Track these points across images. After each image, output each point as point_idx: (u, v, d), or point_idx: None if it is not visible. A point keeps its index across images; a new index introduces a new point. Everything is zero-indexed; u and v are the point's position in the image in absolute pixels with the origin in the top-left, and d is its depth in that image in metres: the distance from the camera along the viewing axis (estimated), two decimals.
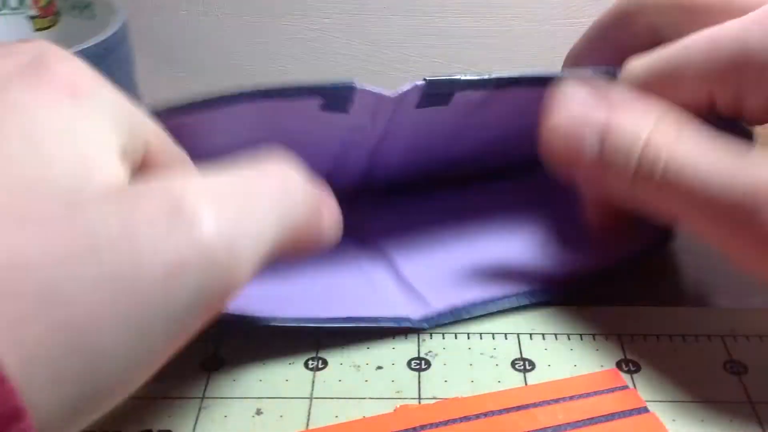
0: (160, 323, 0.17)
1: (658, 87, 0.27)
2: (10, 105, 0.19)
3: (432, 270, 0.32)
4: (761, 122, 0.27)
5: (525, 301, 0.31)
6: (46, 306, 0.16)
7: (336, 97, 0.27)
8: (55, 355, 0.16)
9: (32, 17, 0.45)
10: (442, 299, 0.30)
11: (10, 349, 0.15)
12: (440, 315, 0.30)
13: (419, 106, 0.29)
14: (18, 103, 0.19)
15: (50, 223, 0.16)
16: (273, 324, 0.28)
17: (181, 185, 0.18)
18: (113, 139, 0.20)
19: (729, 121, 0.27)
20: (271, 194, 0.21)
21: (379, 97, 0.28)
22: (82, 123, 0.19)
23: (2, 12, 0.44)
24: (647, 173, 0.25)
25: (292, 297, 0.30)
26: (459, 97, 0.29)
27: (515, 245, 0.33)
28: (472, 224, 0.34)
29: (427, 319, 0.30)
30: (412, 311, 0.30)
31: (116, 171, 0.19)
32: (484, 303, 0.30)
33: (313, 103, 0.27)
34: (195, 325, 0.18)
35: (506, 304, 0.31)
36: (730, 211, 0.24)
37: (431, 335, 0.29)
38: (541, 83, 0.28)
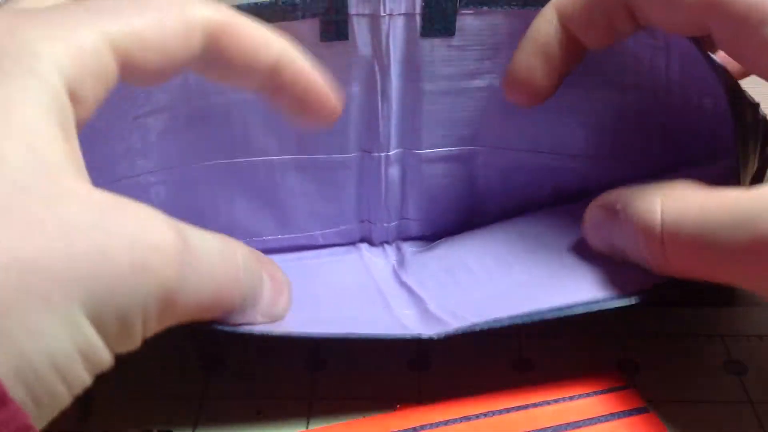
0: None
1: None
2: None
3: (456, 295, 0.30)
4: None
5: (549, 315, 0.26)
6: None
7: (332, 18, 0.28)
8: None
9: None
10: (461, 320, 0.27)
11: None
12: (456, 330, 0.26)
13: (423, 33, 0.29)
14: None
15: (34, 224, 0.18)
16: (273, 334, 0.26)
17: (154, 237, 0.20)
18: (50, 101, 0.20)
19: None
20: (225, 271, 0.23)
21: (375, 17, 0.28)
22: (8, 95, 0.19)
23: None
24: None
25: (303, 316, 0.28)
26: (465, 25, 0.29)
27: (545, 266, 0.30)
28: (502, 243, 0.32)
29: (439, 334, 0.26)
30: (426, 330, 0.27)
31: (59, 150, 0.19)
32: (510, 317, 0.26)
33: (312, 34, 0.28)
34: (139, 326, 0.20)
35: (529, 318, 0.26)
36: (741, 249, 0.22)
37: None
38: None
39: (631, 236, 0.25)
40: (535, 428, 0.25)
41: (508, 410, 0.26)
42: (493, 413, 0.25)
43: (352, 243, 0.34)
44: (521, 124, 0.32)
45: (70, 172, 0.20)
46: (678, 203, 0.24)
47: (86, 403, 0.26)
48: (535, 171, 0.33)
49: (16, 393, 0.17)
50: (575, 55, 0.29)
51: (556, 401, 0.26)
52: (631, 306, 0.30)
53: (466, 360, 0.28)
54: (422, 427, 0.25)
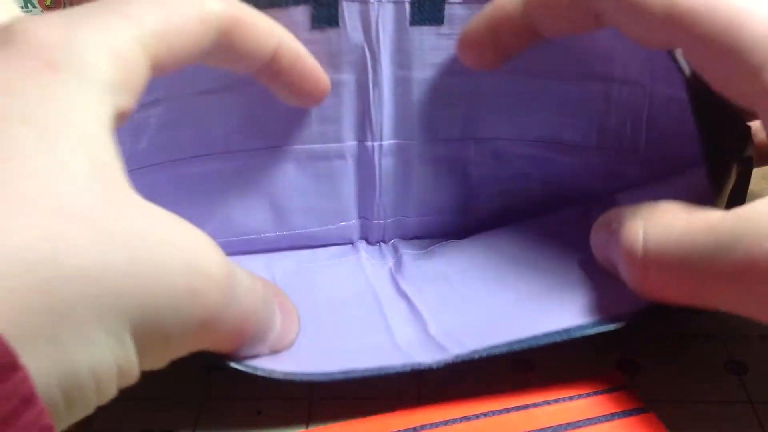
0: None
1: None
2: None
3: (459, 322, 0.29)
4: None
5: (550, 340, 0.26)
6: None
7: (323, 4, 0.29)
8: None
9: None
10: (461, 347, 0.27)
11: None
12: (456, 357, 0.26)
13: (412, 21, 0.30)
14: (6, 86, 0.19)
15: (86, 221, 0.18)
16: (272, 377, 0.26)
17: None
18: (103, 108, 0.20)
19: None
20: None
21: (365, 4, 0.29)
22: (68, 101, 0.19)
23: None
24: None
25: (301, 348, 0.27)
26: (453, 14, 0.30)
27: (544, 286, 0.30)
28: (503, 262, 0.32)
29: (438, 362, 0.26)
30: (426, 357, 0.26)
31: (108, 144, 0.20)
32: (508, 344, 0.26)
33: (304, 20, 0.28)
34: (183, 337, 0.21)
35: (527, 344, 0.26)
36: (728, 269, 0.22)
37: None
38: None
39: (620, 258, 0.25)
40: (535, 428, 0.25)
41: (508, 410, 0.26)
42: (493, 413, 0.25)
43: (351, 242, 0.34)
44: (510, 114, 0.32)
45: (126, 181, 0.20)
46: (660, 228, 0.24)
47: None
48: (525, 161, 0.33)
49: (53, 394, 0.17)
50: (526, 42, 0.29)
51: (556, 401, 0.26)
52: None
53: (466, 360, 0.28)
54: (422, 427, 0.25)
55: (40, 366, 0.16)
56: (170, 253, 0.19)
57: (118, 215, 0.18)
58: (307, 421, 0.26)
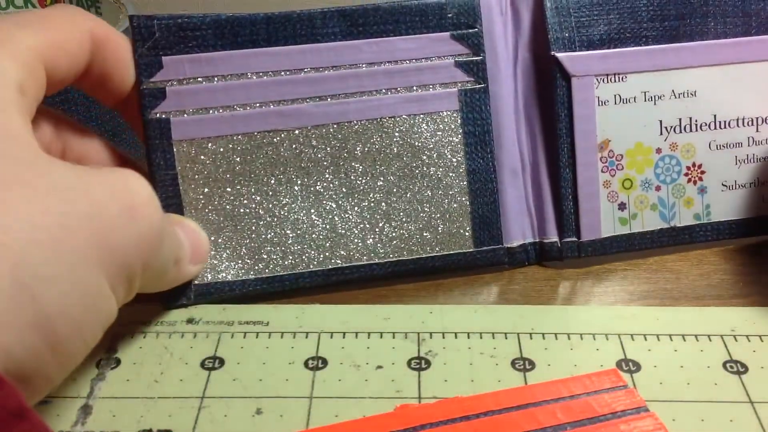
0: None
1: None
2: None
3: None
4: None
5: None
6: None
7: None
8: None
9: None
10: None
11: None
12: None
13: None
14: None
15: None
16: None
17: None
18: (13, 105, 0.22)
19: None
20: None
21: None
22: None
23: (8, 11, 0.44)
24: None
25: None
26: None
27: None
28: None
29: None
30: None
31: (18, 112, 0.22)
32: None
33: None
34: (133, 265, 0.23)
35: None
36: None
37: (431, 335, 0.29)
38: None
39: None
40: (535, 428, 0.25)
41: (508, 410, 0.26)
42: (493, 413, 0.25)
43: None
44: None
45: (37, 146, 0.22)
46: None
47: (86, 403, 0.26)
48: None
49: (33, 342, 0.19)
50: None
51: (556, 401, 0.26)
52: (631, 306, 0.30)
53: (467, 360, 0.28)
54: (422, 426, 0.25)
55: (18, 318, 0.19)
56: (97, 188, 0.22)
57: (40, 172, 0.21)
58: (307, 420, 0.26)
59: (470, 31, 0.32)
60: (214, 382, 0.27)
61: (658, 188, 0.34)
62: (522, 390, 0.27)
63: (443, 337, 0.29)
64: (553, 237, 0.34)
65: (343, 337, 0.29)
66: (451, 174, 0.33)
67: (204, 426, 0.26)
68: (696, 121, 0.34)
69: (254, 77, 0.31)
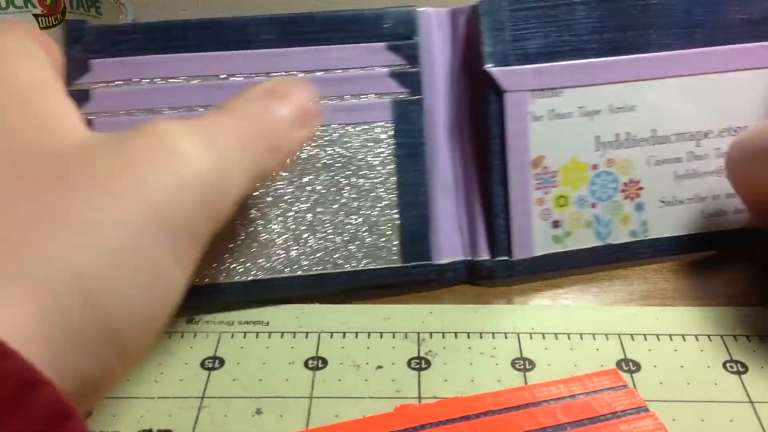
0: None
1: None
2: None
3: None
4: None
5: None
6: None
7: None
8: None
9: (38, 16, 0.45)
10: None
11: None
12: None
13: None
14: None
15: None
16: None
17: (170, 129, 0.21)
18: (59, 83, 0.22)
19: None
20: (243, 136, 0.23)
21: None
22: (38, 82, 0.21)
23: (8, 10, 0.44)
24: None
25: None
26: None
27: None
28: None
29: None
30: None
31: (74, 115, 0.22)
32: None
33: None
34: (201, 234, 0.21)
35: None
36: None
37: (431, 335, 0.29)
38: None
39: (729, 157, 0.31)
40: (535, 428, 0.25)
41: (508, 410, 0.26)
42: (493, 413, 0.25)
43: None
44: None
45: (78, 124, 0.21)
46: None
47: None
48: None
49: (103, 357, 0.18)
50: None
51: (556, 401, 0.26)
52: (632, 306, 0.30)
53: (467, 360, 0.28)
54: (422, 426, 0.25)
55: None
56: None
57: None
58: (307, 420, 0.26)
59: (407, 42, 0.32)
60: (214, 382, 0.27)
61: (593, 205, 0.33)
62: (522, 390, 0.27)
63: (443, 337, 0.29)
64: (484, 255, 0.32)
65: (343, 337, 0.29)
66: (380, 186, 0.32)
67: (204, 426, 0.26)
68: (634, 136, 0.33)
69: (182, 81, 0.30)
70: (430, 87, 0.32)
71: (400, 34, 0.32)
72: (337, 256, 0.31)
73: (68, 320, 0.17)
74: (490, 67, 0.32)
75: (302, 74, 0.31)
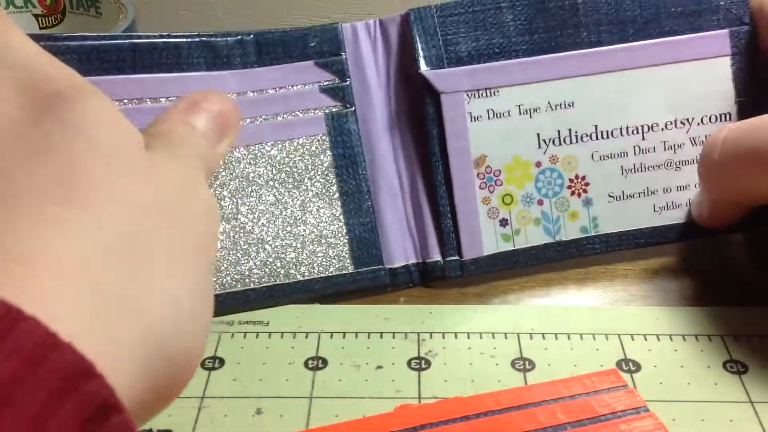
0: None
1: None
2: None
3: None
4: None
5: None
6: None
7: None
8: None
9: (38, 16, 0.45)
10: None
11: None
12: None
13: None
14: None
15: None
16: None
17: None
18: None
19: None
20: None
21: None
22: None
23: (8, 10, 0.44)
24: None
25: None
26: None
27: None
28: None
29: None
30: None
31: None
32: None
33: None
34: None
35: None
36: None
37: (431, 335, 0.29)
38: None
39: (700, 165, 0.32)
40: (535, 428, 0.25)
41: (508, 410, 0.26)
42: (493, 413, 0.25)
43: None
44: None
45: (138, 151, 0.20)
46: (737, 125, 0.30)
47: None
48: None
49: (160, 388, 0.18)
50: None
51: (556, 401, 0.26)
52: (631, 306, 0.30)
53: (467, 360, 0.28)
54: (422, 426, 0.25)
55: None
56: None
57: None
58: (307, 420, 0.26)
59: (333, 58, 0.33)
60: (214, 382, 0.27)
61: (540, 202, 0.33)
62: (522, 390, 0.27)
63: (443, 337, 0.29)
64: (435, 257, 0.33)
65: (343, 337, 0.29)
66: (324, 196, 0.32)
67: (204, 426, 0.26)
68: (576, 132, 0.33)
69: (117, 104, 0.30)
70: (362, 97, 0.33)
71: (327, 51, 0.33)
72: (288, 267, 0.32)
73: (150, 375, 0.17)
74: (425, 71, 0.32)
75: (235, 95, 0.32)
